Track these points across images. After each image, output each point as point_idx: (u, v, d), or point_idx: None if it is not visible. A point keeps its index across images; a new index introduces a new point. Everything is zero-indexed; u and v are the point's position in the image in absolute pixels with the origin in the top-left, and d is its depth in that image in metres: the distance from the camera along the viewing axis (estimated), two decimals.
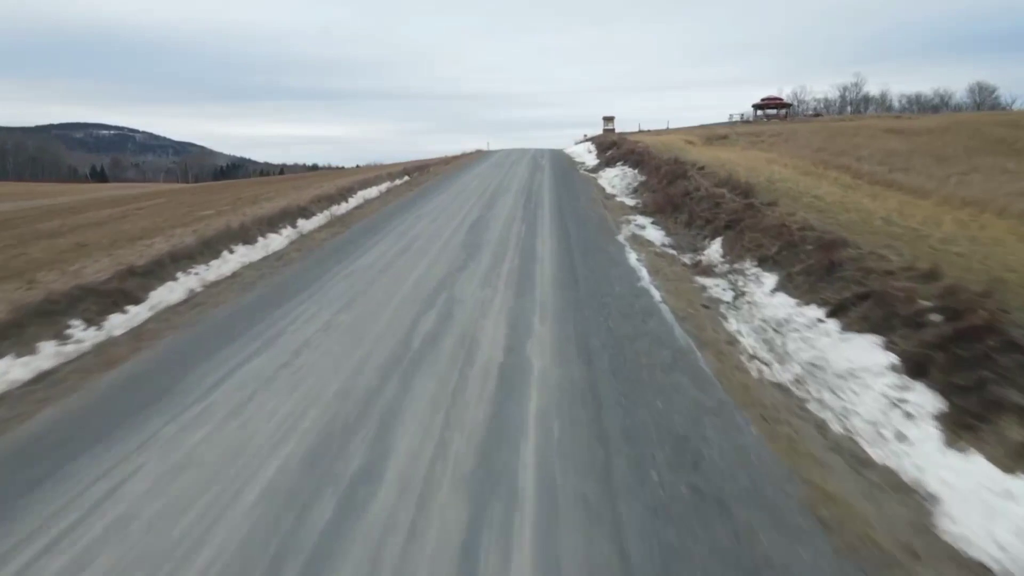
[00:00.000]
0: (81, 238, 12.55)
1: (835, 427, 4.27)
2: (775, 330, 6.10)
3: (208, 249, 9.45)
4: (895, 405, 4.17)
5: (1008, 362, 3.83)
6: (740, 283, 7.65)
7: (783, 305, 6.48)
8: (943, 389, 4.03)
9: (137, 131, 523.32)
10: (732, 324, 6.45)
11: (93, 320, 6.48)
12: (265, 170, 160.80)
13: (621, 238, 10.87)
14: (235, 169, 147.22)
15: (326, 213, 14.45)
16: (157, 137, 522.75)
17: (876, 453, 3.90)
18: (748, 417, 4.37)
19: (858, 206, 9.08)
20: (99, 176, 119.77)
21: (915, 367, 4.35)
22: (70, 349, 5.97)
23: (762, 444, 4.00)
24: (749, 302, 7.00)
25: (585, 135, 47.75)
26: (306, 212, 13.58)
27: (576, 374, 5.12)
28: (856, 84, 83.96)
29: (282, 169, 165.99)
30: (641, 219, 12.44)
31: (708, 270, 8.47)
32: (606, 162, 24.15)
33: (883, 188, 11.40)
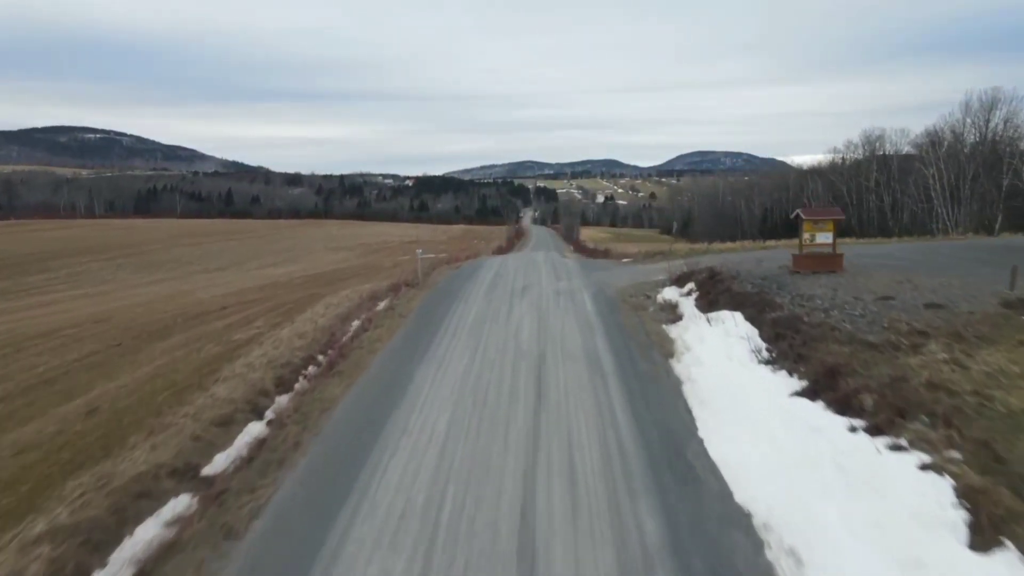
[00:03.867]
0: None
1: None
2: None
3: None
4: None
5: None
6: None
7: None
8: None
9: (124, 134, 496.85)
10: None
11: None
12: (199, 196, 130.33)
13: None
14: (156, 197, 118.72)
15: None
16: (145, 140, 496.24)
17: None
18: None
19: None
20: None
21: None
22: None
23: None
24: None
25: None
26: None
27: None
28: None
29: (229, 194, 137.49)
30: None
31: None
32: None
33: None
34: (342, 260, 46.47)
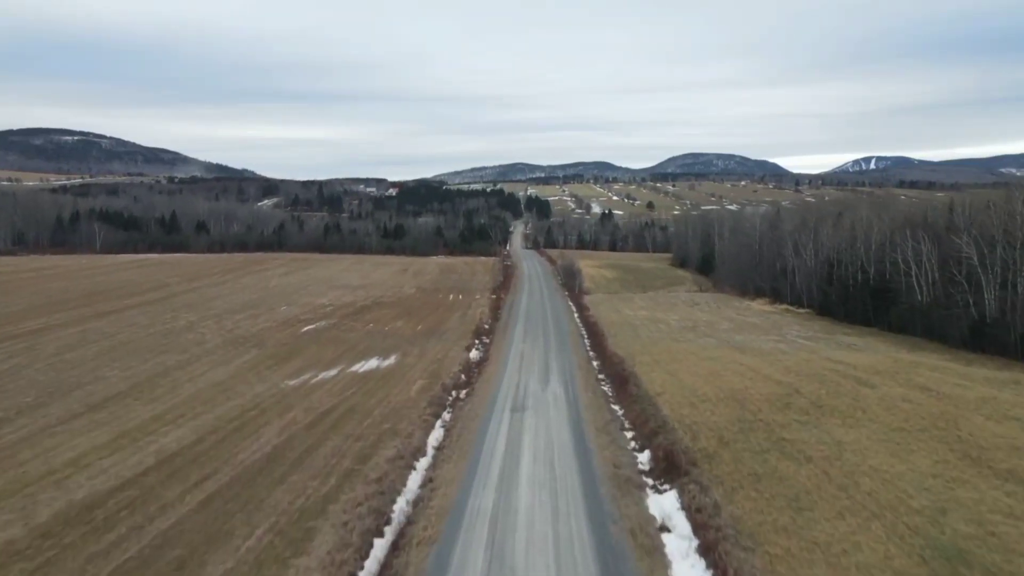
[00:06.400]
0: None
1: None
2: None
3: None
4: None
5: None
6: None
7: None
8: None
9: (104, 136, 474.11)
10: None
11: None
12: (134, 223, 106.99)
13: None
14: (75, 226, 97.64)
15: None
16: (124, 143, 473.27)
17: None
18: None
19: None
20: None
21: None
22: None
23: None
24: None
25: None
26: None
27: None
28: None
29: (174, 217, 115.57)
30: None
31: None
32: None
33: None
34: (213, 400, 27.41)
